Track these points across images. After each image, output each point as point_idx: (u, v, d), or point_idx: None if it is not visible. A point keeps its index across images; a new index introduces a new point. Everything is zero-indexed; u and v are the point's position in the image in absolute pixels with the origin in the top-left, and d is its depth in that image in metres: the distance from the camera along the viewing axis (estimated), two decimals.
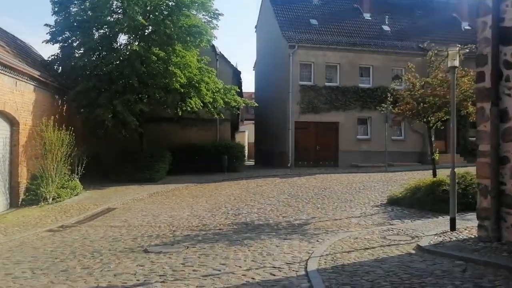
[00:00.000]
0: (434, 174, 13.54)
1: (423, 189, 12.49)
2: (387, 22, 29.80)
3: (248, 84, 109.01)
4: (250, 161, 38.17)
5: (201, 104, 19.67)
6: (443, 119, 13.38)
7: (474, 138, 27.40)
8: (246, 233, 9.92)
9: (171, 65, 18.45)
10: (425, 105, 12.84)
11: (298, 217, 11.90)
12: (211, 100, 20.17)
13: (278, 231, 10.07)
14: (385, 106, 15.00)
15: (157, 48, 18.35)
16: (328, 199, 14.75)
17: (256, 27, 34.64)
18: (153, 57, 17.76)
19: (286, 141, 26.36)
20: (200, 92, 19.54)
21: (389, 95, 14.39)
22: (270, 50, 30.60)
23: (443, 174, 14.73)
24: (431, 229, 9.69)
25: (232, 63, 26.30)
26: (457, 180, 12.79)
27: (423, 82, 13.34)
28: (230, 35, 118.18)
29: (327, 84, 26.87)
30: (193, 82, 19.45)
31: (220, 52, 24.76)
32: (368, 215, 11.98)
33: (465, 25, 31.45)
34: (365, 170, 24.06)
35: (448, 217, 11.29)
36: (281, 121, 27.27)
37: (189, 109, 19.77)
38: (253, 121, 38.88)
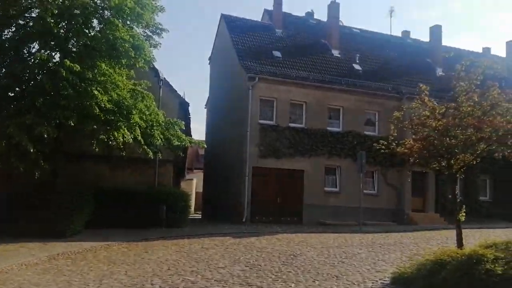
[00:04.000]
0: (460, 243, 9.31)
1: (451, 267, 8.20)
2: (357, 61, 26.67)
3: (199, 134, 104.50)
4: (198, 214, 33.12)
5: (131, 137, 14.95)
6: (471, 163, 9.36)
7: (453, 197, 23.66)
8: None
9: (93, 84, 13.87)
10: (452, 140, 8.79)
11: None
12: (141, 133, 15.57)
13: None
14: (385, 143, 10.77)
15: (74, 62, 13.77)
16: (303, 273, 10.18)
17: (210, 59, 30.59)
18: (63, 71, 13.10)
19: (241, 191, 21.83)
20: (131, 122, 14.89)
21: (391, 127, 10.28)
22: (226, 84, 26.59)
23: (465, 242, 10.66)
24: None
25: (179, 93, 21.78)
26: (498, 254, 8.71)
27: (444, 110, 9.35)
28: (178, 70, 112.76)
29: (291, 125, 22.94)
30: (122, 108, 14.84)
31: (164, 78, 20.33)
32: None
33: (439, 71, 28.95)
34: (335, 229, 19.86)
35: None
36: (237, 166, 22.85)
37: (115, 142, 15.00)
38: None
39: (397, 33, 33.82)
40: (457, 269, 8.09)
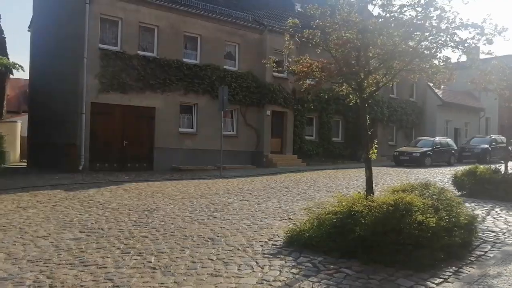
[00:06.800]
0: (370, 188, 7.27)
1: (370, 221, 6.09)
2: None
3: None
4: (24, 162, 27.51)
5: None
6: (385, 84, 7.23)
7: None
8: None
9: None
10: (374, 50, 6.46)
11: None
12: None
13: None
14: (276, 60, 8.12)
15: None
16: (165, 238, 7.32)
17: None
18: None
19: (76, 133, 17.67)
20: None
21: (286, 38, 7.52)
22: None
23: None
24: None
25: None
26: (428, 200, 6.87)
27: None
28: None
29: (140, 52, 19.16)
30: None
31: None
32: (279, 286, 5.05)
33: (298, 7, 27.49)
34: (192, 175, 17.36)
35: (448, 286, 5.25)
36: (71, 102, 18.42)
37: None
38: None
39: None
40: (378, 223, 6.00)
